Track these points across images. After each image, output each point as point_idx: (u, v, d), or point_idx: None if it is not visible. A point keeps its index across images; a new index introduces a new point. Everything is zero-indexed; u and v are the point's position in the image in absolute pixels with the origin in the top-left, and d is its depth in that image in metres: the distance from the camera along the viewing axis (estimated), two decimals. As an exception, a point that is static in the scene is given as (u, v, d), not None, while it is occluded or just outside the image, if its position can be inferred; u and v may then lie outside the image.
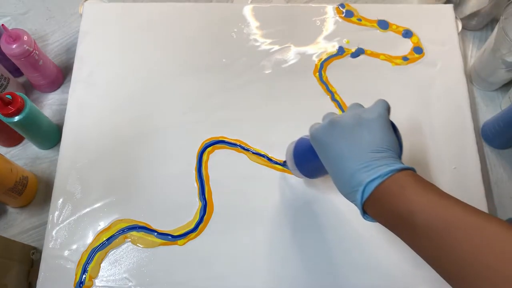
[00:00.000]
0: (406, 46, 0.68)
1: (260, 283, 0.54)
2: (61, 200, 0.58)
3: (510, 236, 0.31)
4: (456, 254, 0.32)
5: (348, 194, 0.41)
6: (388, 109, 0.43)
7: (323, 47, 0.68)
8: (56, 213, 0.57)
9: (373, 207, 0.39)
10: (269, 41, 0.68)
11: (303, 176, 0.53)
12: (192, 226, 0.57)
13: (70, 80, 0.66)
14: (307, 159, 0.50)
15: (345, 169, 0.40)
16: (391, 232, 0.57)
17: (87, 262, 0.55)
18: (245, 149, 0.61)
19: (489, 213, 0.33)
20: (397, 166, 0.38)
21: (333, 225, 0.57)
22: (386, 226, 0.39)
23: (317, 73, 0.66)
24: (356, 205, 0.40)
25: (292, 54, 0.67)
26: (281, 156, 0.60)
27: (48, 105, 0.68)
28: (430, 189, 0.37)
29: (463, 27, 0.70)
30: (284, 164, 0.59)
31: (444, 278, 0.34)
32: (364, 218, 0.41)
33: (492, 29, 0.63)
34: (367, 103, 0.64)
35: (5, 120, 0.56)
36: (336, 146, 0.41)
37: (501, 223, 0.32)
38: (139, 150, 0.61)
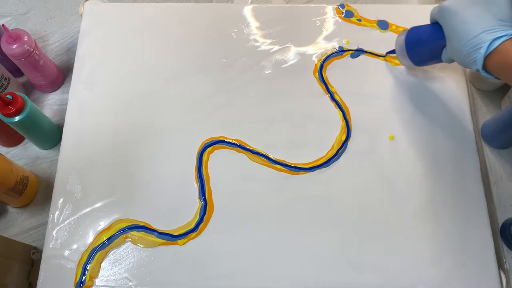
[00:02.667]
0: (406, 46, 0.68)
1: (260, 283, 0.54)
2: (61, 200, 0.58)
3: None
4: None
5: (468, 53, 0.48)
6: None
7: (323, 47, 0.68)
8: (57, 213, 0.58)
9: (497, 61, 0.47)
10: (269, 41, 0.68)
11: (410, 63, 0.61)
12: (192, 225, 0.57)
13: (70, 80, 0.66)
14: (420, 43, 0.58)
15: (470, 31, 0.48)
16: (391, 232, 0.57)
17: (88, 262, 0.55)
18: (245, 149, 0.61)
19: None
20: None
21: (333, 225, 0.57)
22: (506, 78, 0.47)
23: (317, 73, 0.66)
24: (473, 63, 0.48)
25: (292, 54, 0.68)
26: (281, 156, 0.60)
27: (48, 105, 0.68)
28: None
29: (463, 27, 0.70)
30: (389, 52, 0.66)
31: None
32: (482, 73, 0.49)
33: (492, 29, 0.63)
34: (367, 103, 0.64)
35: (6, 120, 0.56)
36: (465, 13, 0.49)
37: None
38: (139, 150, 0.61)
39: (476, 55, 0.48)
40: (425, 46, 0.57)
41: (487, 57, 0.47)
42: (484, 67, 0.48)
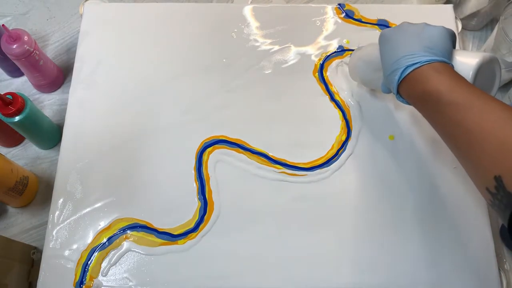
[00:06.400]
0: (406, 46, 0.68)
1: (260, 283, 0.54)
2: (61, 200, 0.58)
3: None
4: (466, 126, 0.39)
5: (389, 76, 0.47)
6: (453, 34, 0.48)
7: (323, 47, 0.68)
8: (57, 213, 0.58)
9: (407, 87, 0.45)
10: (269, 41, 0.68)
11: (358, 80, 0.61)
12: (192, 225, 0.57)
13: (70, 80, 0.66)
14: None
15: (395, 55, 0.47)
16: (391, 232, 0.57)
17: (87, 262, 0.55)
18: (245, 149, 0.61)
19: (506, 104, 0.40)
20: (439, 58, 0.44)
21: (333, 225, 0.57)
22: (414, 104, 0.47)
23: (317, 73, 0.66)
24: (392, 86, 0.47)
25: (292, 54, 0.68)
26: (281, 156, 0.60)
27: (48, 105, 0.68)
28: (461, 78, 0.43)
29: (463, 27, 0.70)
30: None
31: (452, 147, 0.43)
32: (396, 98, 0.49)
33: (492, 29, 0.63)
34: (367, 103, 0.64)
35: (6, 120, 0.56)
36: (396, 38, 0.48)
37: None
38: (139, 149, 0.61)
39: (393, 80, 0.46)
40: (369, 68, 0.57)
41: (400, 83, 0.46)
42: (400, 92, 0.47)
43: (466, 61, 0.46)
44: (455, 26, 0.69)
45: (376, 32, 0.69)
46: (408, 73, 0.45)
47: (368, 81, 0.59)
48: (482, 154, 0.38)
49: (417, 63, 0.44)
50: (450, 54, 0.46)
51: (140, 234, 0.56)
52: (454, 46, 0.48)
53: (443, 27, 0.47)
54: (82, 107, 0.64)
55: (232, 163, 0.60)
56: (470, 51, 0.48)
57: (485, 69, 0.46)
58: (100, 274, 0.55)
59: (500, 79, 0.48)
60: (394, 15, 0.70)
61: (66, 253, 0.55)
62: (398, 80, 0.46)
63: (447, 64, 0.44)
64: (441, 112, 0.42)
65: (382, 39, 0.51)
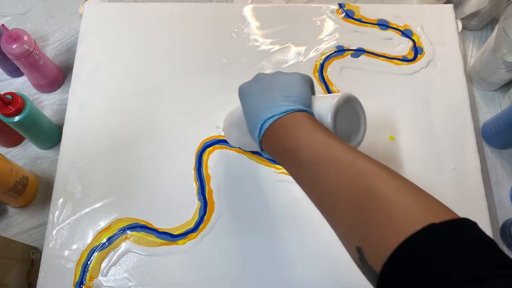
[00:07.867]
0: (406, 46, 0.68)
1: (260, 283, 0.54)
2: (61, 200, 0.58)
3: (373, 172, 0.35)
4: (326, 186, 0.36)
5: (251, 131, 0.43)
6: (309, 79, 0.46)
7: (323, 47, 0.68)
8: (56, 213, 0.58)
9: (268, 143, 0.41)
10: (269, 41, 0.68)
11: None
12: (192, 225, 0.57)
13: (70, 80, 0.66)
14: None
15: (254, 109, 0.43)
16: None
17: (87, 262, 0.55)
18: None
19: (366, 154, 0.36)
20: (296, 107, 0.41)
21: (333, 225, 0.57)
22: (278, 161, 0.42)
23: (317, 73, 0.66)
24: (256, 144, 0.43)
25: (292, 54, 0.67)
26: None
27: (48, 105, 0.68)
28: (320, 129, 0.39)
29: (463, 27, 0.70)
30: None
31: (318, 209, 0.38)
32: (262, 154, 0.45)
33: (492, 29, 0.63)
34: (367, 103, 0.64)
35: (5, 120, 0.56)
36: (254, 92, 0.44)
37: (370, 162, 0.36)
38: (139, 149, 0.61)
39: (255, 136, 0.42)
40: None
41: (262, 139, 0.41)
42: (264, 149, 0.43)
43: (324, 105, 0.42)
44: (455, 26, 0.69)
45: (376, 32, 0.69)
46: (267, 128, 0.40)
47: (247, 146, 0.57)
48: (341, 219, 0.34)
49: (274, 115, 0.40)
50: (308, 101, 0.43)
51: (140, 234, 0.56)
52: (313, 92, 0.46)
53: (297, 73, 0.45)
54: (82, 107, 0.64)
55: (232, 163, 0.60)
56: (328, 95, 0.43)
57: (346, 109, 0.43)
58: (100, 274, 0.55)
59: (366, 119, 0.46)
60: (394, 15, 0.70)
61: (66, 253, 0.55)
62: (259, 136, 0.41)
63: (305, 113, 0.40)
64: (301, 171, 0.38)
65: (240, 95, 0.46)
